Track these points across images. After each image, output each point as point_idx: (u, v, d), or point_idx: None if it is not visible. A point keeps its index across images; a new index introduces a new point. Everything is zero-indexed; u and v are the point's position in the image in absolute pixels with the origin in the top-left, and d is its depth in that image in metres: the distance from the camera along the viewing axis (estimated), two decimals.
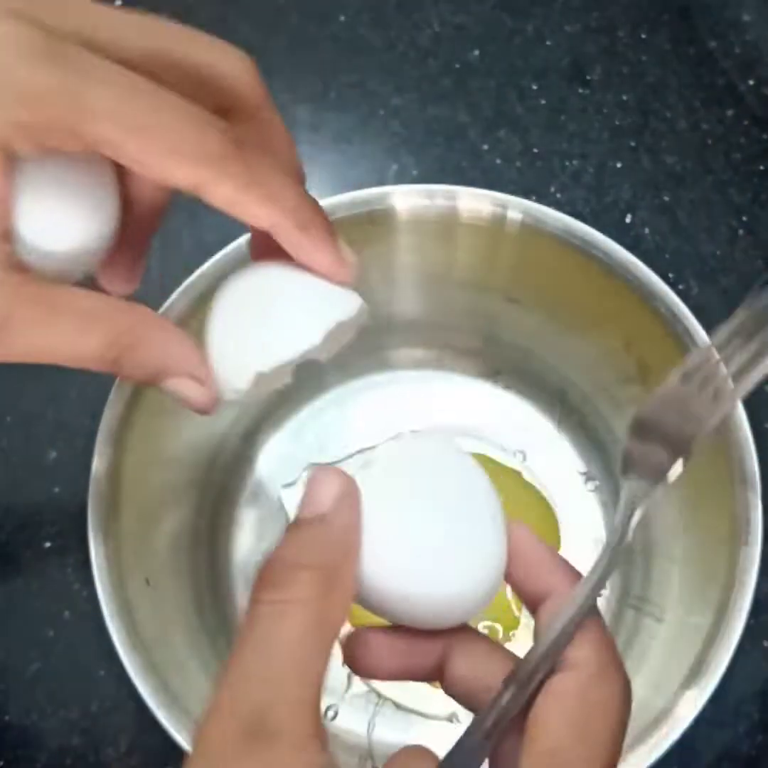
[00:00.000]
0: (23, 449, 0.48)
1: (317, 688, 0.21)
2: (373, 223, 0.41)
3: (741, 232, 0.52)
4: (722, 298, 0.51)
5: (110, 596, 0.36)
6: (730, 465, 0.37)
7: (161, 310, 0.39)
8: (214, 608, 0.45)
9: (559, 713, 0.22)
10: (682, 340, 0.39)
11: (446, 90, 0.56)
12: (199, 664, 0.42)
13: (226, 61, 0.27)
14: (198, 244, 0.50)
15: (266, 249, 0.28)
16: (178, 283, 0.40)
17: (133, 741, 0.44)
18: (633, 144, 0.54)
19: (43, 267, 0.27)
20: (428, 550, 0.24)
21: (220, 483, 0.48)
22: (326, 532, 0.23)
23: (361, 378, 0.50)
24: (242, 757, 0.20)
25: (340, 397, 0.50)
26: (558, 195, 0.53)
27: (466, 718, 0.43)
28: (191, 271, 0.40)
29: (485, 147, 0.54)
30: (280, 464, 0.49)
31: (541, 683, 0.23)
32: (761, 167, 0.53)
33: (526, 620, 0.45)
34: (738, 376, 0.29)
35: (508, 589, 0.26)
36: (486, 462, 0.48)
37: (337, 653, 0.47)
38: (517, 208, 0.41)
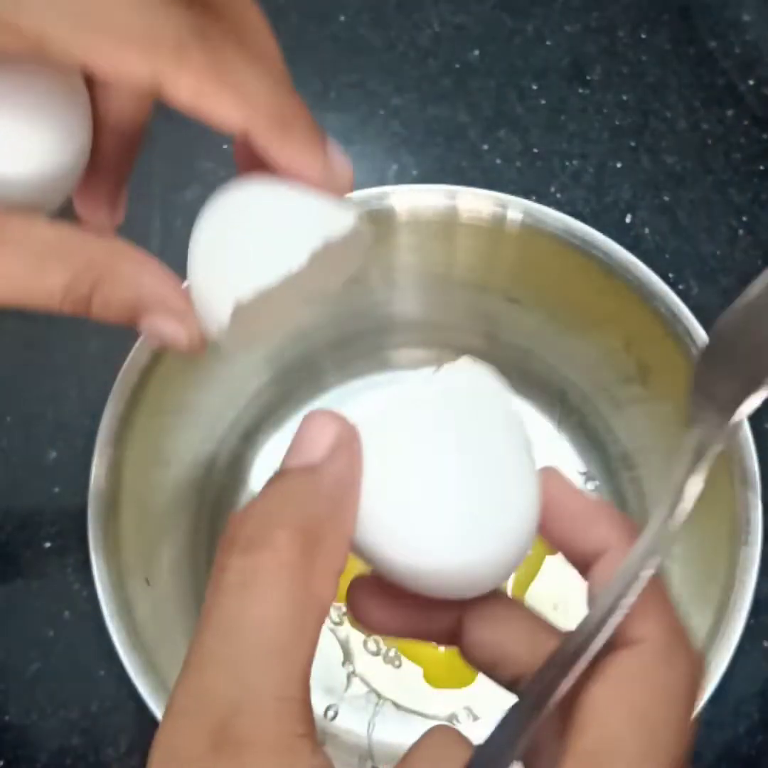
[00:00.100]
0: (23, 449, 0.48)
1: (301, 679, 0.17)
2: (373, 223, 0.41)
3: (741, 232, 0.52)
4: (722, 298, 0.51)
5: (110, 596, 0.36)
6: (730, 465, 0.37)
7: None
8: None
9: (616, 699, 0.18)
10: (682, 340, 0.39)
11: (446, 90, 0.56)
12: None
13: None
14: None
15: (252, 161, 0.25)
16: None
17: (133, 741, 0.44)
18: (633, 144, 0.54)
19: (7, 196, 0.24)
20: (446, 513, 0.19)
21: (220, 483, 0.48)
22: (314, 485, 0.19)
23: (361, 378, 0.50)
24: None
25: (340, 397, 0.50)
26: (558, 195, 0.53)
27: (466, 718, 0.43)
28: None
29: (485, 147, 0.54)
30: (281, 464, 0.49)
31: (594, 662, 0.19)
32: (761, 167, 0.53)
33: None
34: None
35: None
36: None
37: (337, 655, 0.47)
38: (517, 208, 0.41)
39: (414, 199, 0.41)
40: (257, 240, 0.23)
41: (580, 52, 0.56)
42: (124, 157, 0.28)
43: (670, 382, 0.41)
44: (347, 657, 0.45)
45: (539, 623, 0.22)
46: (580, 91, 0.56)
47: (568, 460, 0.48)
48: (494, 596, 0.22)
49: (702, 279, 0.51)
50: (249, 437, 0.49)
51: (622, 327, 0.42)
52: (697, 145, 0.54)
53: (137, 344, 0.39)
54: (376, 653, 0.45)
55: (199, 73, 0.22)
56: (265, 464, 0.49)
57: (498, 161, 0.54)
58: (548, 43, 0.57)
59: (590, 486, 0.48)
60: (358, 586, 0.23)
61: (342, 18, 0.57)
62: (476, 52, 0.56)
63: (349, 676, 0.45)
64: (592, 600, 0.20)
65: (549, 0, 0.58)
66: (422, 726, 0.44)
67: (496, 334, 0.48)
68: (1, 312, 0.52)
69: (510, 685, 0.22)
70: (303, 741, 0.17)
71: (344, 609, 0.46)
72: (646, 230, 0.52)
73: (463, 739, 0.19)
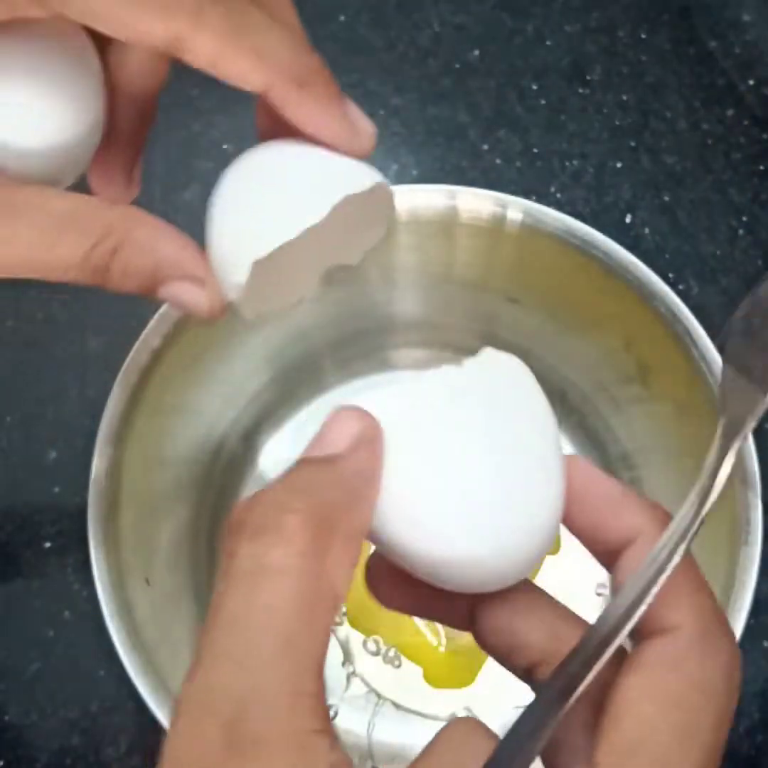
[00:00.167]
0: (23, 449, 0.48)
1: (314, 673, 0.17)
2: None
3: (741, 232, 0.52)
4: (722, 298, 0.51)
5: (110, 596, 0.36)
6: None
7: None
8: None
9: (651, 689, 0.18)
10: (682, 340, 0.39)
11: (446, 90, 0.56)
12: None
13: None
14: None
15: (273, 126, 0.25)
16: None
17: (133, 741, 0.44)
18: (633, 144, 0.54)
19: (23, 170, 0.24)
20: (470, 505, 0.19)
21: (220, 483, 0.48)
22: (331, 474, 0.18)
23: (361, 378, 0.50)
24: None
25: (340, 397, 0.50)
26: (558, 195, 0.53)
27: None
28: None
29: (485, 147, 0.54)
30: (280, 464, 0.49)
31: (623, 652, 0.18)
32: (761, 167, 0.53)
33: None
34: None
35: None
36: None
37: (337, 655, 0.47)
38: (517, 208, 0.41)
39: (414, 199, 0.41)
40: (274, 198, 0.23)
41: (580, 52, 0.56)
42: (139, 128, 0.28)
43: (670, 382, 0.41)
44: (347, 657, 0.45)
45: (559, 610, 0.21)
46: (580, 91, 0.56)
47: None
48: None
49: (702, 279, 0.51)
50: (249, 437, 0.49)
51: (622, 327, 0.42)
52: (697, 145, 0.54)
53: (137, 344, 0.39)
54: (376, 653, 0.45)
55: (217, 34, 0.22)
56: (265, 464, 0.49)
57: (498, 161, 0.54)
58: (548, 43, 0.57)
59: None
60: (375, 561, 0.22)
61: (342, 18, 0.57)
62: (476, 52, 0.56)
63: (349, 676, 0.45)
64: (618, 590, 0.19)
65: (549, 0, 0.58)
66: (422, 726, 0.45)
67: (496, 334, 0.48)
68: (1, 312, 0.52)
69: (525, 674, 0.21)
70: (319, 736, 0.16)
71: (343, 608, 0.46)
72: (646, 230, 0.52)
73: (488, 731, 0.18)
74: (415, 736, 0.43)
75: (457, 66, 0.56)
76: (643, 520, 0.20)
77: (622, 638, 0.18)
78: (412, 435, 0.20)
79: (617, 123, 0.55)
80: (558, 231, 0.40)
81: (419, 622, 0.44)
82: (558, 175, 0.53)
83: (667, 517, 0.20)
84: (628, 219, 0.52)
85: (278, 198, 0.23)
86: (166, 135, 0.49)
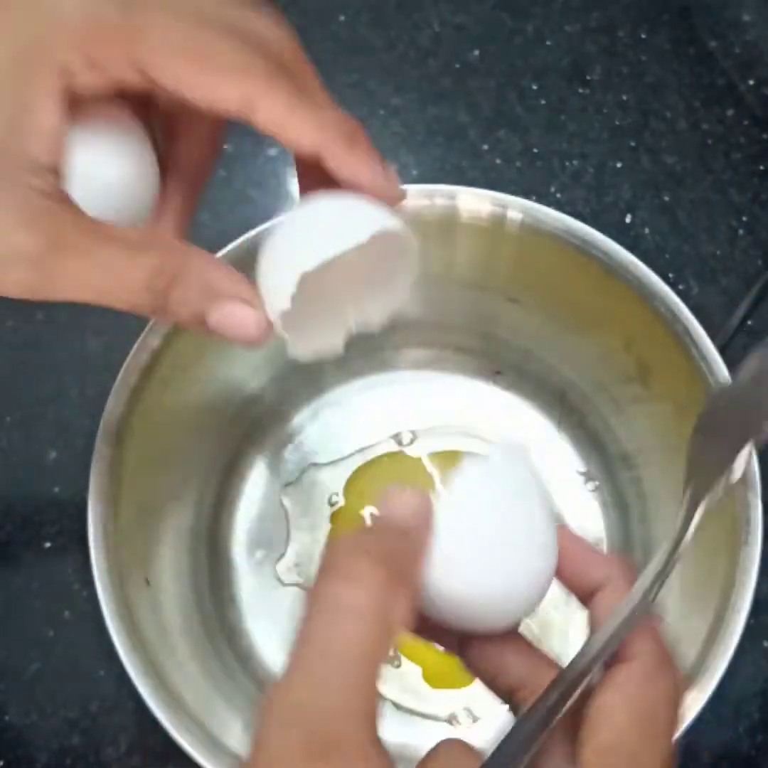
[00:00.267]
0: (23, 449, 0.48)
1: (376, 695, 0.21)
2: None
3: (741, 232, 0.52)
4: (722, 298, 0.51)
5: (110, 596, 0.36)
6: None
7: None
8: (214, 608, 0.45)
9: (622, 702, 0.22)
10: (682, 340, 0.39)
11: (446, 90, 0.56)
12: (199, 663, 0.42)
13: (270, 30, 0.28)
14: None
15: (313, 180, 0.28)
16: None
17: (133, 741, 0.44)
18: (633, 144, 0.54)
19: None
20: (491, 567, 0.24)
21: (219, 483, 0.48)
22: (397, 534, 0.23)
23: (361, 378, 0.50)
24: None
25: (340, 397, 0.50)
26: (558, 195, 0.53)
27: (466, 718, 0.43)
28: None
29: (485, 147, 0.54)
30: (281, 464, 0.49)
31: (589, 684, 0.23)
32: (761, 167, 0.53)
33: None
34: None
35: None
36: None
37: None
38: (517, 208, 0.41)
39: (414, 199, 0.41)
40: (318, 230, 0.27)
41: (580, 52, 0.56)
42: (190, 193, 0.31)
43: (670, 382, 0.41)
44: None
45: (533, 648, 0.26)
46: (580, 91, 0.56)
47: (568, 460, 0.48)
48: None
49: (702, 279, 0.51)
50: (249, 437, 0.49)
51: (622, 327, 0.42)
52: (697, 145, 0.54)
53: (137, 344, 0.39)
54: None
55: (284, 96, 0.26)
56: (264, 464, 0.49)
57: (498, 161, 0.54)
58: (548, 43, 0.57)
59: (590, 486, 0.48)
60: None
61: (342, 18, 0.57)
62: (476, 52, 0.56)
63: None
64: (593, 623, 0.24)
65: (549, 0, 0.58)
66: (422, 726, 0.44)
67: (496, 334, 0.48)
68: (1, 312, 0.52)
69: (507, 695, 0.26)
70: (381, 746, 0.21)
71: None
72: (646, 230, 0.52)
73: (470, 750, 0.22)
74: (415, 736, 0.43)
75: (457, 66, 0.56)
76: (610, 570, 0.25)
77: (596, 672, 0.23)
78: (448, 513, 0.24)
79: (617, 123, 0.55)
80: (558, 231, 0.40)
81: None
82: (558, 175, 0.53)
83: (629, 569, 0.25)
84: (628, 219, 0.52)
85: (322, 230, 0.27)
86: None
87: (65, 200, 0.26)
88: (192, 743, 0.35)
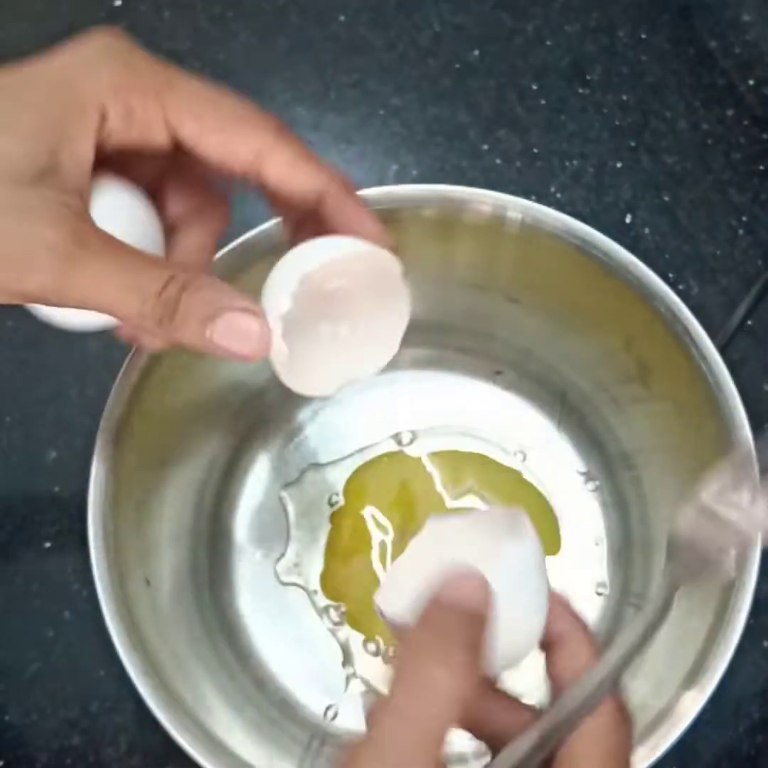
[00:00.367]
0: (23, 449, 0.48)
1: (442, 749, 0.23)
2: None
3: (741, 232, 0.52)
4: (722, 298, 0.51)
5: (110, 596, 0.36)
6: None
7: None
8: (214, 608, 0.45)
9: (588, 753, 0.25)
10: (682, 340, 0.39)
11: (446, 90, 0.56)
12: (198, 663, 0.42)
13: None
14: None
15: (307, 234, 0.30)
16: None
17: (133, 741, 0.44)
18: (633, 144, 0.54)
19: None
20: (507, 623, 0.27)
21: (219, 482, 0.48)
22: (474, 620, 0.25)
23: None
24: None
25: (340, 396, 0.50)
26: (558, 195, 0.53)
27: None
28: None
29: (485, 147, 0.54)
30: (280, 464, 0.49)
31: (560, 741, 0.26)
32: (761, 167, 0.53)
33: None
34: None
35: None
36: (486, 462, 0.48)
37: (337, 654, 0.47)
38: (517, 208, 0.41)
39: (414, 199, 0.41)
40: (316, 243, 0.29)
41: (580, 52, 0.56)
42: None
43: (670, 382, 0.41)
44: (347, 658, 0.45)
45: (509, 696, 0.28)
46: (580, 91, 0.56)
47: (568, 460, 0.48)
48: None
49: (702, 279, 0.51)
50: (249, 437, 0.49)
51: (622, 327, 0.42)
52: (697, 145, 0.54)
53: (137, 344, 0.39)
54: (376, 654, 0.45)
55: (291, 151, 0.29)
56: (264, 464, 0.49)
57: (498, 161, 0.54)
58: (548, 43, 0.57)
59: (590, 486, 0.48)
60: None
61: (342, 18, 0.57)
62: (476, 52, 0.56)
63: (349, 677, 0.45)
64: (554, 681, 0.27)
65: (549, 0, 0.58)
66: None
67: (496, 334, 0.48)
68: (1, 312, 0.52)
69: (488, 740, 0.28)
70: None
71: (343, 609, 0.46)
72: (646, 230, 0.52)
73: None
74: None
75: (457, 66, 0.56)
76: (565, 625, 0.28)
77: (565, 735, 0.26)
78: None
79: (617, 123, 0.55)
80: (558, 231, 0.40)
81: None
82: (558, 175, 0.53)
83: (584, 626, 0.28)
84: (628, 219, 0.52)
85: (322, 242, 0.29)
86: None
87: (90, 219, 0.27)
88: (192, 743, 0.35)
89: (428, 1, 0.58)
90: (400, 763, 0.23)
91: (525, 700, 0.28)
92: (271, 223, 0.39)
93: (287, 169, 0.29)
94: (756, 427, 0.37)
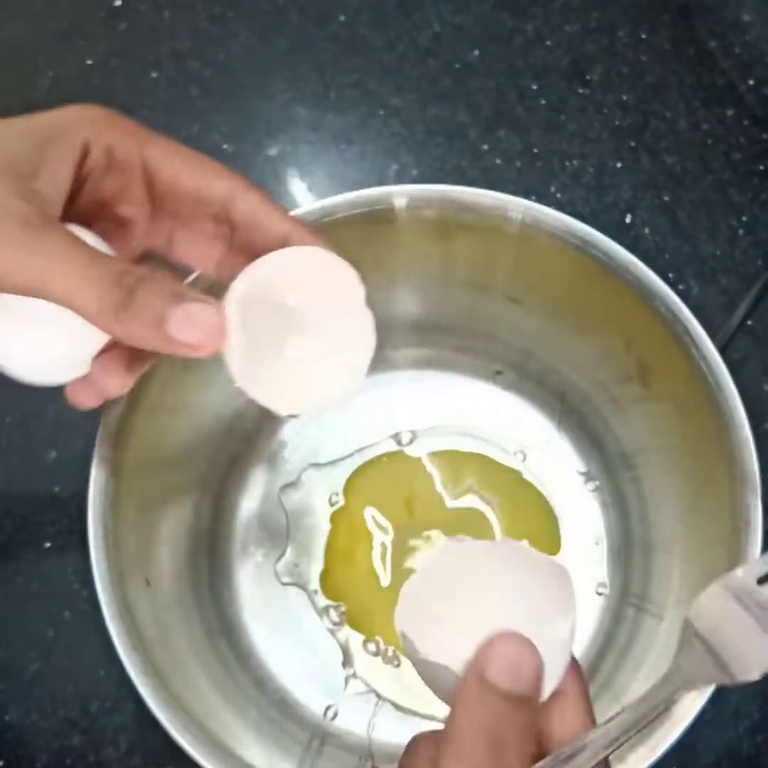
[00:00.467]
0: (23, 449, 0.48)
1: None
2: (373, 223, 0.41)
3: (741, 232, 0.52)
4: (722, 298, 0.51)
5: (110, 596, 0.36)
6: (730, 465, 0.37)
7: None
8: (214, 608, 0.45)
9: None
10: (682, 340, 0.39)
11: (446, 90, 0.56)
12: (199, 664, 0.42)
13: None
14: None
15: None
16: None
17: (133, 741, 0.44)
18: (633, 144, 0.54)
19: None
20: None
21: (219, 483, 0.48)
22: (526, 712, 0.25)
23: None
24: None
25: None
26: (558, 195, 0.53)
27: None
28: None
29: (485, 147, 0.54)
30: (280, 464, 0.49)
31: None
32: (761, 167, 0.54)
33: None
34: None
35: None
36: (486, 462, 0.48)
37: (336, 655, 0.47)
38: (517, 208, 0.41)
39: (414, 199, 0.41)
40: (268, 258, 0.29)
41: (580, 52, 0.56)
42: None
43: (670, 382, 0.41)
44: (347, 659, 0.45)
45: None
46: (580, 91, 0.56)
47: (568, 460, 0.48)
48: None
49: (702, 279, 0.51)
50: (249, 437, 0.49)
51: (622, 327, 0.42)
52: (697, 145, 0.54)
53: None
54: (376, 654, 0.45)
55: (260, 196, 0.32)
56: (264, 464, 0.49)
57: (498, 161, 0.54)
58: (548, 43, 0.57)
59: (590, 486, 0.48)
60: None
61: (342, 18, 0.57)
62: (476, 52, 0.57)
63: (349, 677, 0.45)
64: (542, 731, 0.26)
65: (549, 0, 0.58)
66: (422, 726, 0.44)
67: (496, 334, 0.48)
68: None
69: None
70: None
71: (343, 609, 0.46)
72: (646, 230, 0.52)
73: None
74: None
75: (457, 66, 0.56)
76: (566, 686, 0.26)
77: None
78: None
79: (617, 123, 0.55)
80: (558, 231, 0.40)
81: None
82: (558, 175, 0.53)
83: (582, 680, 0.27)
84: (628, 219, 0.52)
85: (276, 254, 0.29)
86: (165, 135, 0.49)
87: (57, 216, 0.28)
88: (192, 743, 0.35)
89: (428, 1, 0.58)
90: None
91: None
92: None
93: (258, 207, 0.31)
94: (756, 427, 0.37)
